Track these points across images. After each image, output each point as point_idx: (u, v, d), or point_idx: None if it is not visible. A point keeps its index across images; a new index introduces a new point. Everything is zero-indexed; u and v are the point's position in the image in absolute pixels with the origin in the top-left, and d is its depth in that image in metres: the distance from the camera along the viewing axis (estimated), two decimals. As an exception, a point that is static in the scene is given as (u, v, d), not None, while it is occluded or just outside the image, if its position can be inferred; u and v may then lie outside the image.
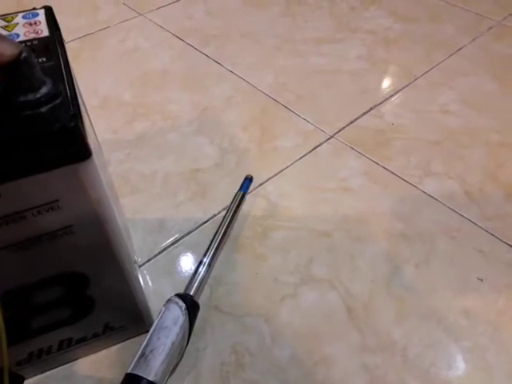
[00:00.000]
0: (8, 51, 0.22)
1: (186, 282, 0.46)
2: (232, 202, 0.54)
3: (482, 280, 0.50)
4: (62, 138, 0.24)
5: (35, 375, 0.42)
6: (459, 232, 0.54)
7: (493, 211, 0.56)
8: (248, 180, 0.57)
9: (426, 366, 0.43)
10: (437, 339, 0.45)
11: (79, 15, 0.91)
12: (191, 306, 0.40)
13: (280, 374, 0.42)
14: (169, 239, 0.53)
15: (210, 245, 0.48)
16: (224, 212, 0.55)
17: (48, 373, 0.42)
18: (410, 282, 0.49)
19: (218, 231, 0.50)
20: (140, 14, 0.92)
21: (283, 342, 0.45)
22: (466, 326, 0.46)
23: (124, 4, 0.96)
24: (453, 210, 0.56)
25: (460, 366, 0.43)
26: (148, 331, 0.38)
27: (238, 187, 0.56)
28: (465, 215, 0.56)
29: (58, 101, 0.25)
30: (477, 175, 0.61)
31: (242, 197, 0.55)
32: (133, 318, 0.42)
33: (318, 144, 0.65)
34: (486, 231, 0.54)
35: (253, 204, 0.57)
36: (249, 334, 0.45)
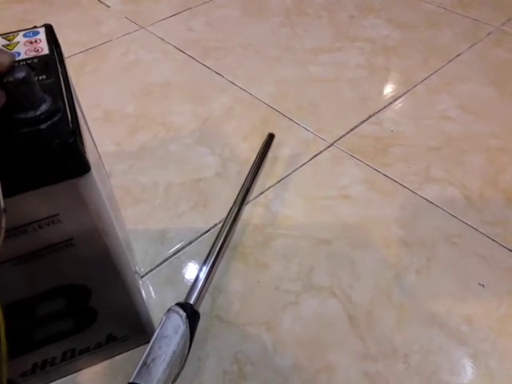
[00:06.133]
0: (5, 60, 0.24)
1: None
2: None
3: (483, 286, 0.50)
4: (61, 153, 0.25)
5: (40, 386, 0.42)
6: (460, 238, 0.54)
7: (493, 216, 0.56)
8: None
9: (428, 372, 0.43)
10: (439, 346, 0.45)
11: (82, 29, 0.93)
12: (191, 315, 0.41)
13: (282, 382, 0.43)
14: (171, 249, 0.54)
15: (209, 252, 0.49)
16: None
17: (52, 384, 0.43)
18: (411, 289, 0.49)
19: (217, 238, 0.50)
20: (141, 27, 0.94)
21: (285, 350, 0.45)
22: (467, 332, 0.46)
23: (126, 18, 0.97)
24: (453, 216, 0.56)
25: (462, 372, 0.43)
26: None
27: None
28: (465, 221, 0.56)
29: (57, 118, 0.26)
30: (477, 181, 0.61)
31: None
32: (135, 328, 0.43)
33: (317, 152, 0.66)
34: (487, 237, 0.54)
35: (253, 213, 0.57)
36: (251, 343, 0.45)
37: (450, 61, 0.83)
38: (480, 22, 0.93)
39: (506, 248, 0.53)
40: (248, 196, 0.57)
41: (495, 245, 0.53)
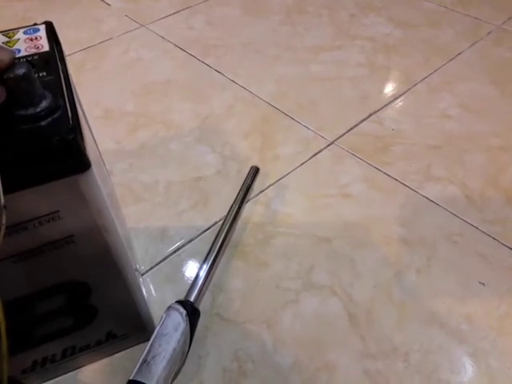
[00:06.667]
0: (5, 57, 0.24)
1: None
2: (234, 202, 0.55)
3: (483, 284, 0.50)
4: (61, 150, 0.25)
5: (40, 384, 0.42)
6: (461, 236, 0.54)
7: (494, 215, 0.56)
8: None
9: (428, 371, 0.43)
10: (439, 344, 0.45)
11: (82, 28, 0.93)
12: (192, 312, 0.41)
13: (282, 381, 0.43)
14: (171, 247, 0.54)
15: (209, 250, 0.49)
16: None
17: (52, 381, 0.43)
18: (411, 288, 0.49)
19: (217, 236, 0.50)
20: (142, 26, 0.94)
21: (285, 348, 0.45)
22: (467, 331, 0.46)
23: (126, 16, 0.97)
24: (454, 215, 0.56)
25: (462, 370, 0.43)
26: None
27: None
28: (466, 219, 0.56)
29: (57, 114, 0.26)
30: (478, 179, 0.61)
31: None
32: (135, 326, 0.43)
33: (318, 151, 0.66)
34: (488, 235, 0.54)
35: (253, 211, 0.57)
36: (251, 341, 0.45)
37: (451, 59, 0.83)
38: (481, 21, 0.93)
39: (507, 246, 0.53)
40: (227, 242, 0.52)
41: (496, 243, 0.53)
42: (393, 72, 0.81)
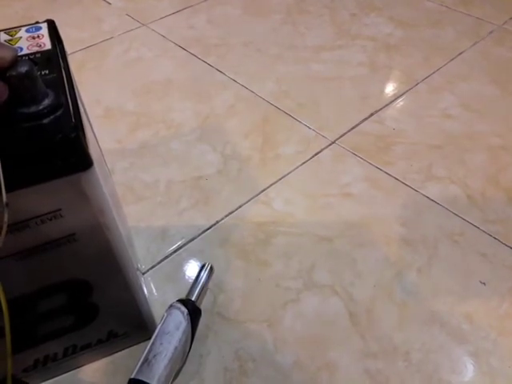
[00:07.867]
0: (8, 55, 0.24)
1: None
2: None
3: (484, 284, 0.50)
4: (63, 148, 0.25)
5: (41, 382, 0.42)
6: (462, 236, 0.54)
7: (495, 215, 0.56)
8: None
9: (429, 370, 0.43)
10: (440, 344, 0.45)
11: (83, 27, 0.93)
12: (193, 311, 0.41)
13: (283, 380, 0.43)
14: (172, 246, 0.54)
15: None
16: (227, 219, 0.56)
17: (53, 380, 0.43)
18: (412, 287, 0.49)
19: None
20: (143, 25, 0.94)
21: (286, 347, 0.45)
22: (468, 331, 0.46)
23: (127, 15, 0.97)
24: (455, 214, 0.56)
25: (463, 370, 0.43)
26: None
27: (241, 195, 0.56)
28: (467, 219, 0.56)
29: (59, 112, 0.25)
30: (479, 179, 0.61)
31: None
32: (136, 325, 0.43)
33: (319, 150, 0.66)
34: (489, 235, 0.54)
35: (255, 210, 0.57)
36: (252, 340, 0.45)
37: (452, 59, 0.83)
38: (482, 21, 0.93)
39: (508, 246, 0.53)
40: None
41: (497, 243, 0.53)
42: (394, 72, 0.81)
